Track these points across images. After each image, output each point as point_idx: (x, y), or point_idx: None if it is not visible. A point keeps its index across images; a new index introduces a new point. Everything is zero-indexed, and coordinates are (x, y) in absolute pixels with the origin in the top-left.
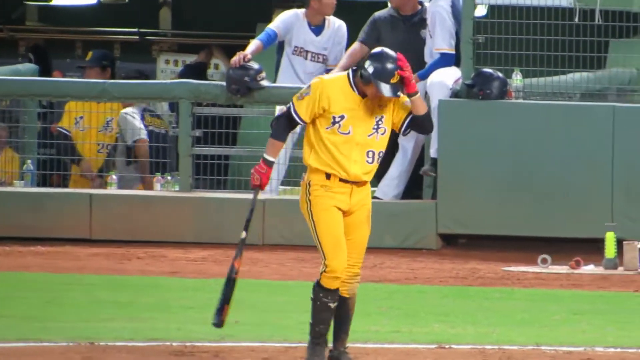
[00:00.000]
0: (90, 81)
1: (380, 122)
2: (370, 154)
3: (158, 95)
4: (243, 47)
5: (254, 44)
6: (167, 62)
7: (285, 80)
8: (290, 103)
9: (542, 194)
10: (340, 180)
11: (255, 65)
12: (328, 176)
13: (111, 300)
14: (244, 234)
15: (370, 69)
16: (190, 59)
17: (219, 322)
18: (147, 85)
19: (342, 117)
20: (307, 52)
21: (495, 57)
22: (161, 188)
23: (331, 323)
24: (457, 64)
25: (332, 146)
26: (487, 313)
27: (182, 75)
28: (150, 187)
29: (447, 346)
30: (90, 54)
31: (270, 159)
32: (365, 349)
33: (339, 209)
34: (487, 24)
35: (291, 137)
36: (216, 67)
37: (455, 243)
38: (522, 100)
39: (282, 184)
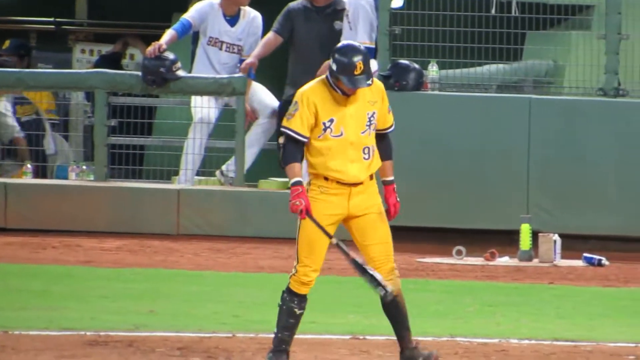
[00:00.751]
0: (6, 70)
1: (372, 119)
2: (366, 150)
3: (74, 85)
4: (159, 37)
5: (168, 34)
6: (82, 51)
7: (200, 70)
8: (284, 129)
9: (457, 185)
10: (338, 182)
11: (170, 56)
12: (326, 179)
13: (25, 289)
14: (334, 240)
15: (334, 66)
16: (107, 48)
17: (386, 290)
18: (62, 74)
19: (331, 121)
20: (222, 42)
21: (411, 49)
22: (76, 177)
23: (295, 333)
24: (373, 55)
25: (327, 152)
26: (412, 305)
27: (97, 65)
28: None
29: (361, 337)
30: (7, 42)
31: (297, 179)
32: None
33: (334, 220)
34: (404, 15)
35: (207, 127)
36: (132, 57)
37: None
38: (438, 92)
39: (198, 174)
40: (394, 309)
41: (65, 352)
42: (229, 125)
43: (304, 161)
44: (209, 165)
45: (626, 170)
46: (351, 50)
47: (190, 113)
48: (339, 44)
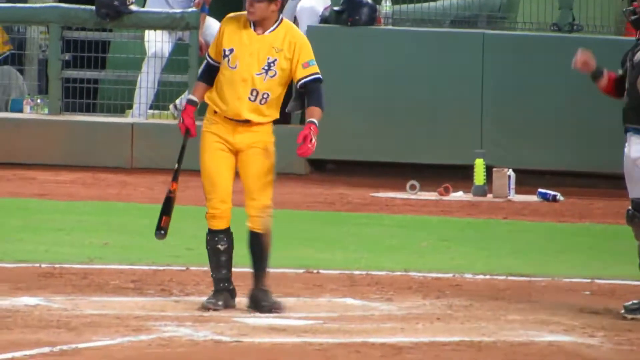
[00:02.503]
0: None
1: (272, 64)
2: (255, 93)
3: (28, 19)
4: None
5: None
6: None
7: (154, 5)
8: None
9: (411, 120)
10: (225, 117)
11: None
12: (215, 112)
13: None
14: (176, 165)
15: None
16: None
17: (159, 233)
18: (16, 9)
19: (231, 51)
20: None
21: None
22: (31, 111)
23: (231, 268)
24: None
25: (222, 81)
26: (355, 239)
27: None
28: None
29: (315, 271)
30: None
31: (191, 97)
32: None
33: (225, 146)
34: None
35: (160, 61)
36: None
37: (323, 169)
38: (391, 27)
39: (151, 108)
40: (257, 246)
41: (21, 284)
42: (182, 60)
43: None
44: (162, 99)
45: (580, 106)
46: None
47: (144, 47)
48: None
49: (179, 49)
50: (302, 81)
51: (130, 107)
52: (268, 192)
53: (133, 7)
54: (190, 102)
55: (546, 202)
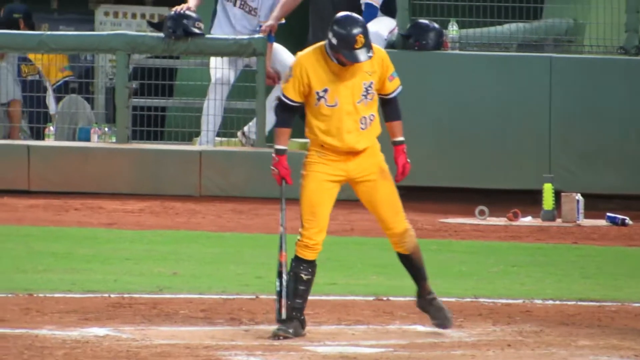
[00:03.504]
0: (28, 33)
1: (369, 89)
2: (363, 120)
3: (95, 47)
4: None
5: None
6: (106, 14)
7: (220, 25)
8: (279, 90)
9: (479, 145)
10: (335, 150)
11: (195, 15)
12: (322, 145)
13: (49, 251)
14: (281, 229)
15: (333, 39)
16: (132, 10)
17: (279, 317)
18: (84, 37)
19: (325, 91)
20: None
21: (431, 8)
22: (98, 139)
23: (307, 299)
24: (392, 14)
25: (323, 119)
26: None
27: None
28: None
29: (384, 298)
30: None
31: (279, 147)
32: None
33: (335, 179)
34: None
35: (225, 87)
36: None
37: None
38: (458, 51)
39: (219, 135)
40: (408, 263)
41: (89, 315)
42: (250, 87)
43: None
44: (230, 126)
45: None
46: (350, 22)
47: (210, 74)
48: (338, 15)
49: (246, 75)
50: (391, 95)
51: (197, 134)
52: (401, 216)
53: (200, 31)
54: (280, 151)
55: (615, 226)
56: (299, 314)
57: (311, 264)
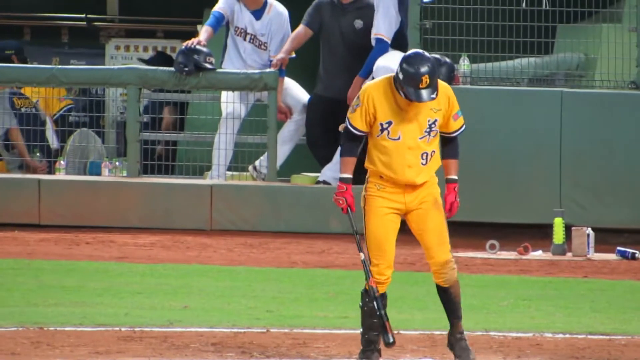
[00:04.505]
0: (39, 67)
1: (433, 126)
2: (424, 156)
3: (106, 81)
4: (190, 33)
5: (205, 31)
6: (117, 48)
7: (230, 59)
8: (347, 121)
9: (490, 179)
10: (394, 182)
11: (205, 50)
12: (381, 177)
13: (60, 285)
14: (362, 256)
15: (400, 75)
16: (143, 43)
17: (388, 340)
18: (95, 70)
19: (389, 124)
20: (246, 33)
21: (442, 43)
22: (109, 173)
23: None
24: (403, 49)
25: (385, 151)
26: (435, 299)
27: (151, 60)
28: (33, 169)
29: (395, 331)
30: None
31: (345, 176)
32: (313, 335)
33: (395, 211)
34: (435, 9)
35: (236, 122)
36: None
37: (403, 228)
38: (469, 86)
39: (230, 169)
40: (445, 297)
41: (100, 348)
42: (261, 121)
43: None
44: (241, 160)
45: None
46: (419, 61)
47: (220, 108)
48: (408, 52)
49: (257, 109)
50: (454, 134)
51: (208, 168)
52: (446, 247)
53: (211, 66)
54: (346, 180)
55: (625, 260)
56: (376, 346)
57: (382, 297)
